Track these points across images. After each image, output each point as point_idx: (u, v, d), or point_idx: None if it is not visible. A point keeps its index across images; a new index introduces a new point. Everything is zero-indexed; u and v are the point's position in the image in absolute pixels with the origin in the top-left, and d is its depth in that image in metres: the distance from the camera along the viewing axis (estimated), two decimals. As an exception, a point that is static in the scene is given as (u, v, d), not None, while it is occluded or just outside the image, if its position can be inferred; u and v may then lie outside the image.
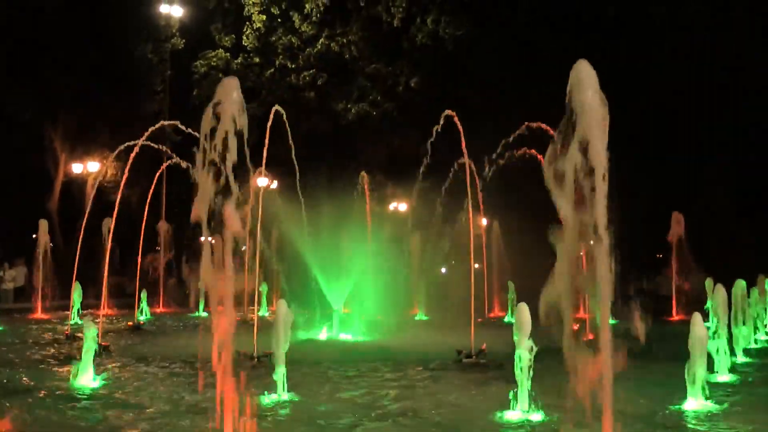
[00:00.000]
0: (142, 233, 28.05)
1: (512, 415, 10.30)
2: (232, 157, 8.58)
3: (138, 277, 28.05)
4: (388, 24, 40.17)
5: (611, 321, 7.72)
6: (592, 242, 7.63)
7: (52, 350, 17.53)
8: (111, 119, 39.55)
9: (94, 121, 38.85)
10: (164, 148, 39.27)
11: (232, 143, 8.55)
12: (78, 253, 25.92)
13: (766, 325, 22.35)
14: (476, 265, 23.41)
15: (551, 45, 37.11)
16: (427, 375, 14.10)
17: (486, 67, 38.06)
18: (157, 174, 30.50)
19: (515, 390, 10.50)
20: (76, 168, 38.65)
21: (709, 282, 20.79)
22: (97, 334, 16.77)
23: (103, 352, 16.73)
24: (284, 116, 19.12)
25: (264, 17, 41.61)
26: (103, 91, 37.80)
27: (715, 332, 14.53)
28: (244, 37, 42.41)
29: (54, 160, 39.36)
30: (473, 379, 13.47)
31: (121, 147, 24.02)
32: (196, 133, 10.28)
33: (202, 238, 8.59)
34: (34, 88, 36.88)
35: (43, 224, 29.26)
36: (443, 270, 39.62)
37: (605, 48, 36.48)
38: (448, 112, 17.82)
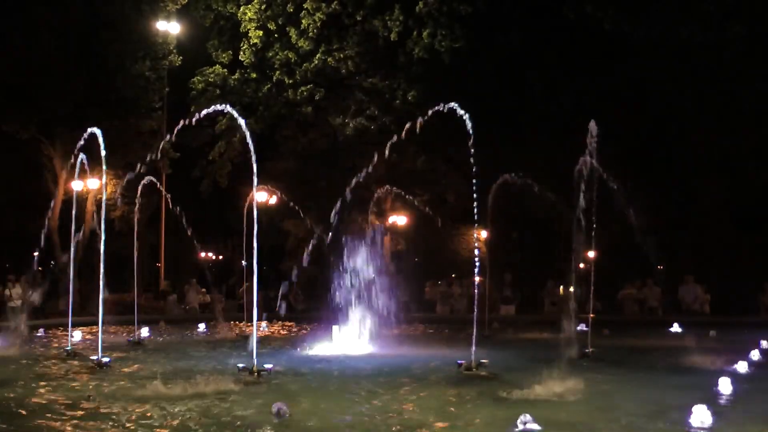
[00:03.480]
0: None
1: (518, 429, 10.26)
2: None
3: (136, 294, 28.07)
4: (384, 38, 40.26)
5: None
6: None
7: (52, 366, 17.50)
8: (109, 137, 39.60)
9: (92, 140, 38.90)
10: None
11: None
12: (77, 270, 25.99)
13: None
14: (477, 279, 23.44)
15: (547, 61, 37.24)
16: (429, 387, 14.09)
17: (482, 80, 38.15)
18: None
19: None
20: (77, 186, 38.76)
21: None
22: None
23: (102, 367, 16.79)
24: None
25: (261, 33, 41.71)
26: (100, 111, 37.89)
27: None
28: (241, 53, 42.52)
29: (53, 178, 39.48)
30: (475, 392, 13.46)
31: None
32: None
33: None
34: (31, 109, 36.96)
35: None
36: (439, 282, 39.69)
37: (604, 63, 36.63)
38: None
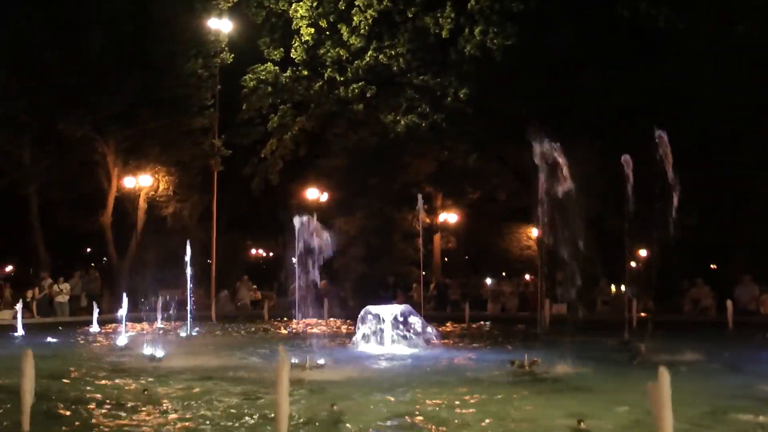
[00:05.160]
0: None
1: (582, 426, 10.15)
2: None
3: (189, 290, 28.18)
4: (435, 35, 40.16)
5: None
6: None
7: (106, 361, 17.63)
8: (161, 135, 40.02)
9: (144, 137, 39.35)
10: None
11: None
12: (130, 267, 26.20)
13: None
14: (527, 277, 23.36)
15: (599, 59, 36.90)
16: (483, 386, 13.99)
17: (533, 78, 37.90)
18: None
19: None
20: (128, 182, 39.17)
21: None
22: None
23: (158, 362, 16.92)
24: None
25: (312, 30, 41.74)
26: (152, 109, 38.26)
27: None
28: (293, 51, 42.56)
29: (107, 175, 39.85)
30: (530, 391, 13.36)
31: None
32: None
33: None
34: (85, 108, 37.34)
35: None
36: (488, 281, 39.50)
37: (656, 61, 36.21)
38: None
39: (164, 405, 11.98)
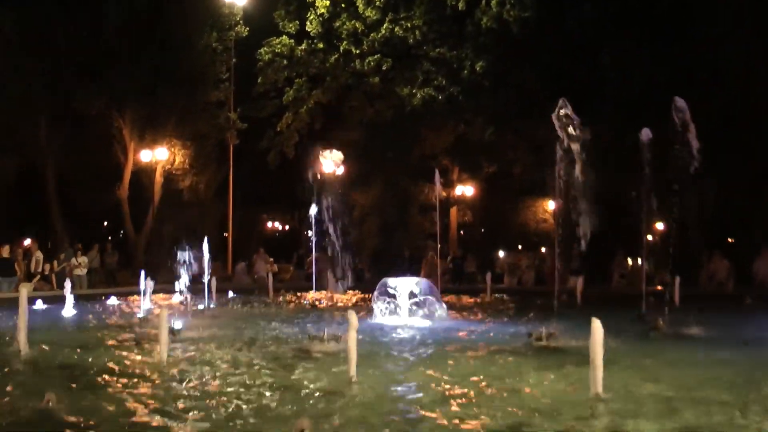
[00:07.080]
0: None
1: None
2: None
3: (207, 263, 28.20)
4: (452, 7, 39.97)
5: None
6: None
7: (124, 333, 17.67)
8: (177, 109, 40.04)
9: (160, 111, 39.38)
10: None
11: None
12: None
13: None
14: (542, 249, 23.31)
15: (619, 37, 36.64)
16: (500, 358, 13.99)
17: (551, 52, 37.64)
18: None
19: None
20: (145, 156, 39.24)
21: None
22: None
23: (171, 335, 16.97)
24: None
25: (327, 3, 41.64)
26: (168, 83, 38.26)
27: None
28: (308, 23, 42.48)
29: (123, 149, 39.91)
30: (548, 363, 13.35)
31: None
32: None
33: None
34: (101, 86, 37.41)
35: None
36: (501, 253, 39.37)
37: (678, 38, 35.94)
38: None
39: (182, 376, 12.02)
